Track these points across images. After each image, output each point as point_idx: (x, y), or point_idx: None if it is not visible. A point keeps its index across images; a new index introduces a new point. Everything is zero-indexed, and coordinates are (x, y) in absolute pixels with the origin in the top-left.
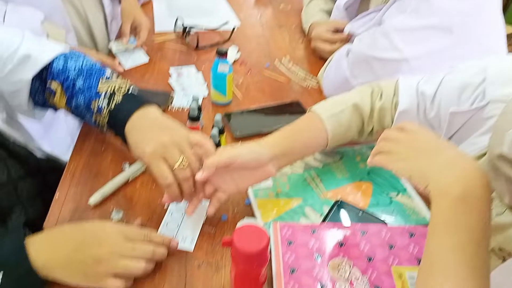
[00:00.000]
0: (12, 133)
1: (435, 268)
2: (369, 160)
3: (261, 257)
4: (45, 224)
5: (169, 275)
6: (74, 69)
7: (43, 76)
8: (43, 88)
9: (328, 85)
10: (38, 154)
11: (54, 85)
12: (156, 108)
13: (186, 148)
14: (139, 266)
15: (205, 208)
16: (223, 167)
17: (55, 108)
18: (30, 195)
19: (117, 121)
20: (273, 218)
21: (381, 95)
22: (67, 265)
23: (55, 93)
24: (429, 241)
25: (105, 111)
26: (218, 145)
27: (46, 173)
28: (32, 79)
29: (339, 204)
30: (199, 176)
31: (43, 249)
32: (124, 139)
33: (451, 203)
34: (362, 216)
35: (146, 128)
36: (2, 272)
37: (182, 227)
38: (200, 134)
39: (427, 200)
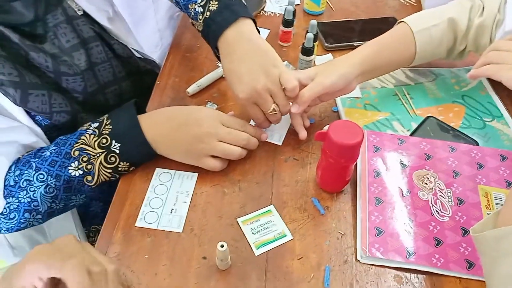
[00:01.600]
0: (116, 32)
1: None
2: (472, 72)
3: (353, 152)
4: (147, 107)
5: (258, 163)
6: None
7: None
8: None
9: (430, 1)
10: (136, 54)
11: None
12: (250, 23)
13: (278, 93)
14: (235, 150)
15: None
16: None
17: None
18: (131, 96)
19: (210, 33)
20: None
21: (482, 10)
22: (171, 142)
23: None
24: None
25: (200, 19)
26: (311, 50)
27: (143, 75)
28: None
29: (430, 120)
30: (295, 110)
31: (150, 126)
32: (216, 54)
33: None
34: (453, 134)
35: (240, 56)
36: (119, 143)
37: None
38: (291, 75)
39: None
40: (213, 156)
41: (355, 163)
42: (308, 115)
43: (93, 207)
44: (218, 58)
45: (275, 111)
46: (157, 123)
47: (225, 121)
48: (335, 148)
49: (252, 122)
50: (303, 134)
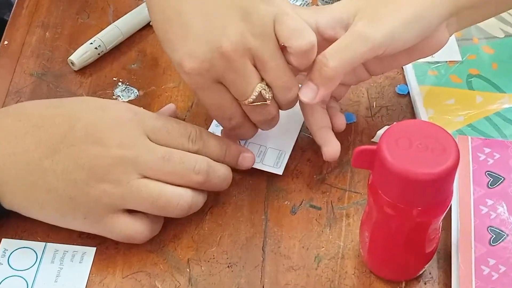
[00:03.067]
0: None
1: None
2: None
3: (438, 191)
4: None
5: (230, 219)
6: None
7: None
8: None
9: None
10: None
11: None
12: None
13: (271, 59)
14: (180, 197)
15: None
16: None
17: None
18: None
19: None
20: (457, 128)
21: None
22: (36, 180)
23: None
24: None
25: None
26: None
27: None
28: None
29: None
30: (310, 97)
31: None
32: None
33: None
34: None
35: None
36: None
37: (259, 132)
38: (297, 19)
39: None
40: (130, 211)
41: (443, 215)
42: (341, 104)
43: None
44: None
45: (266, 99)
46: (4, 137)
47: (156, 129)
48: (397, 184)
49: (215, 129)
50: (331, 149)
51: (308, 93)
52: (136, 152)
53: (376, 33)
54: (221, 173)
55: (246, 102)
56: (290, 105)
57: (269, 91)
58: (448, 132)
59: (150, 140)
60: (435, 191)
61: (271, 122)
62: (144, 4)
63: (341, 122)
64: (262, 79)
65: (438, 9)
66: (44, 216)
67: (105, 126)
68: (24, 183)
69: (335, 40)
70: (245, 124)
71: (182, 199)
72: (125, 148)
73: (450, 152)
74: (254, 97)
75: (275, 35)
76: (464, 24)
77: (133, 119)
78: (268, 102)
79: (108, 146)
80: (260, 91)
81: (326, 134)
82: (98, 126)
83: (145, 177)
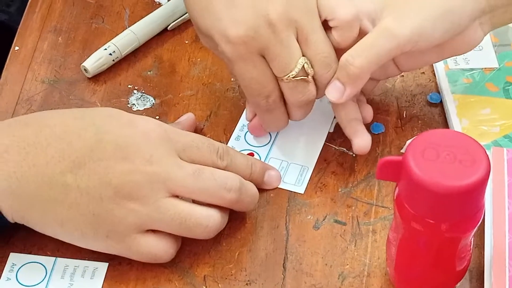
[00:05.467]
0: None
1: None
2: None
3: (468, 205)
4: None
5: (251, 235)
6: None
7: None
8: None
9: None
10: None
11: None
12: None
13: (314, 31)
14: (211, 219)
15: (329, 112)
16: None
17: None
18: None
19: None
20: (493, 139)
21: None
22: (56, 197)
23: None
24: None
25: None
26: None
27: None
28: None
29: None
30: (336, 97)
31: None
32: None
33: None
34: None
35: None
36: None
37: (278, 144)
38: None
39: None
40: (153, 231)
41: (474, 231)
42: (371, 99)
43: None
44: None
45: (307, 74)
46: (23, 148)
47: (186, 146)
48: (424, 197)
49: (234, 143)
50: (361, 140)
51: (335, 93)
52: (166, 169)
53: (403, 29)
54: (252, 192)
55: (288, 76)
56: (326, 79)
57: (311, 66)
58: (477, 142)
59: (180, 157)
60: (464, 205)
61: (307, 106)
62: (161, 9)
63: (368, 113)
64: (303, 54)
65: (470, 6)
66: (63, 234)
67: (135, 142)
68: (43, 197)
69: (361, 33)
70: (280, 108)
71: (211, 221)
72: (155, 165)
73: (480, 163)
74: (298, 70)
75: (318, 8)
76: (499, 23)
77: (163, 136)
78: (309, 78)
79: (138, 162)
80: (303, 65)
81: (356, 126)
82: (127, 141)
83: (174, 195)
